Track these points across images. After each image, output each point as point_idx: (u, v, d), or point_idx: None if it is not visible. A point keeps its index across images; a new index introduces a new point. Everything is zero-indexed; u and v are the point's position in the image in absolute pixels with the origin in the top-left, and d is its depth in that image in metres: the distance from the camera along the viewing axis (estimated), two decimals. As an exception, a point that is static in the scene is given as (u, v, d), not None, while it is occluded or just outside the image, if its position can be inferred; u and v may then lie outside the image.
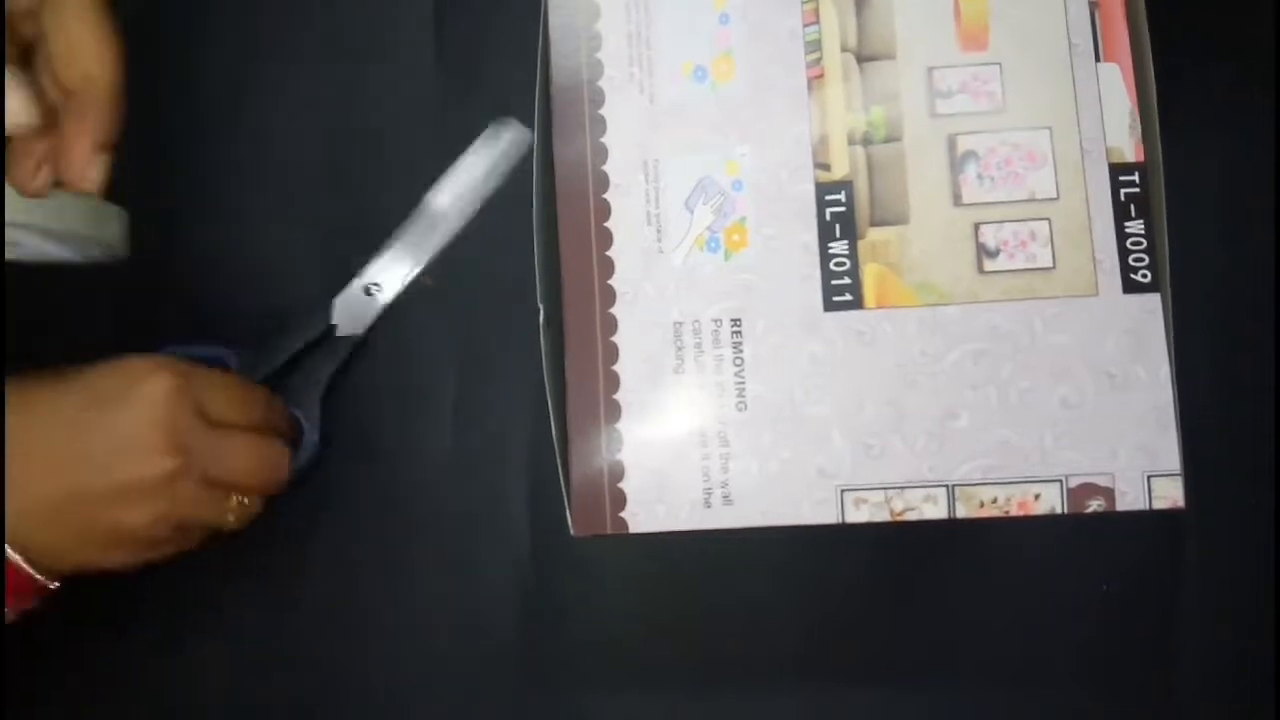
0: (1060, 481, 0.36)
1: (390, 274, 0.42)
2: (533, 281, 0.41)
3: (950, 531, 0.38)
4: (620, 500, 0.37)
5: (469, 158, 0.42)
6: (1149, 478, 0.36)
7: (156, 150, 0.42)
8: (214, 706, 0.42)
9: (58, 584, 0.36)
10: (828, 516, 0.37)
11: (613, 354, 0.38)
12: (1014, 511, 0.36)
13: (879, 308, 0.37)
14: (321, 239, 0.43)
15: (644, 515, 0.37)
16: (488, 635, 0.41)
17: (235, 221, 0.44)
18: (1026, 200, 0.37)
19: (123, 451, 0.35)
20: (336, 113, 0.44)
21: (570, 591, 0.42)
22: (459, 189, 0.42)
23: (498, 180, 0.42)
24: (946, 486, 0.36)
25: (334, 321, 0.42)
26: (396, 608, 0.42)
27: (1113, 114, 0.37)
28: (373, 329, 0.42)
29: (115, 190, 0.36)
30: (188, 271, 0.43)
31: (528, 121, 0.39)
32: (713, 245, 0.38)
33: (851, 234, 0.37)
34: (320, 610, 0.42)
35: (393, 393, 0.42)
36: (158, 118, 0.42)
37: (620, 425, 0.37)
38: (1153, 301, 0.37)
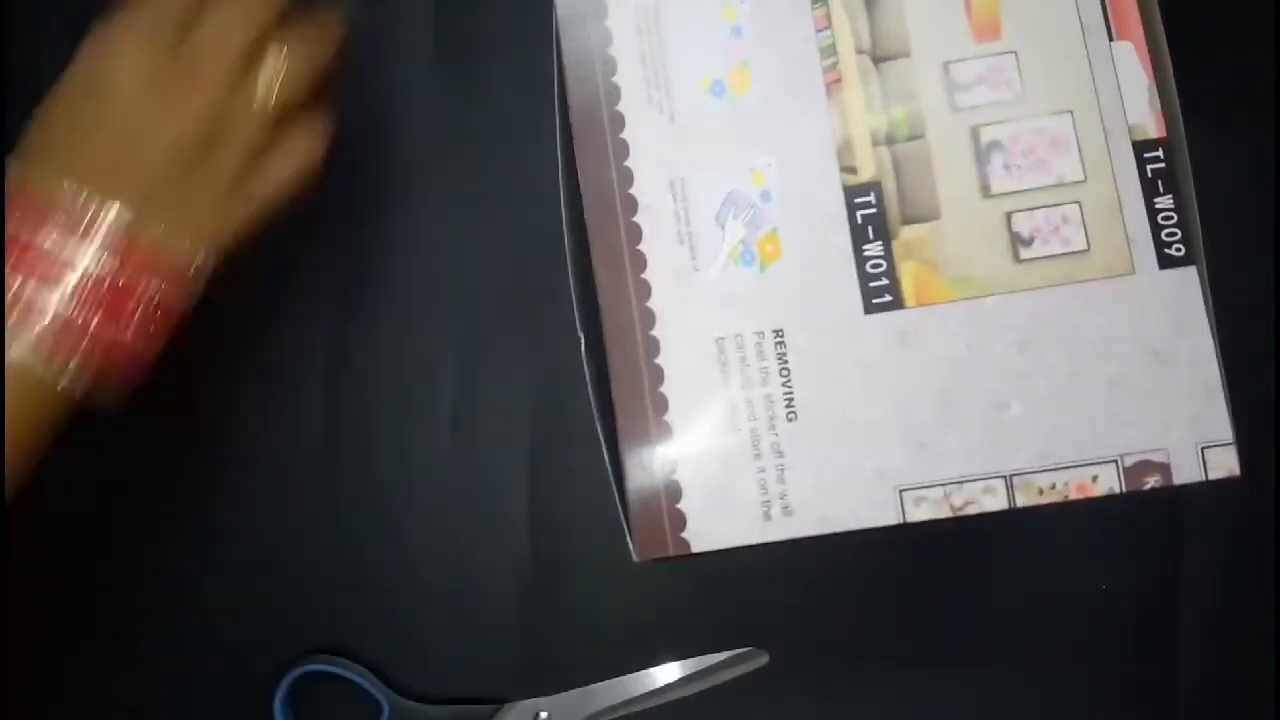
0: (1116, 461, 0.36)
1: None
2: (532, 282, 0.41)
3: (1002, 519, 0.39)
4: (680, 521, 0.37)
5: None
6: (1203, 449, 0.36)
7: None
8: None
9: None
10: (888, 518, 0.37)
11: (658, 376, 0.38)
12: (1073, 495, 0.36)
13: (919, 305, 0.37)
14: (319, 241, 0.43)
15: (705, 534, 0.37)
16: (488, 634, 0.41)
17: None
18: (1055, 185, 0.37)
19: (104, 82, 0.32)
20: (336, 112, 0.44)
21: (570, 591, 0.42)
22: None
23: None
24: (1004, 477, 0.37)
25: None
26: (395, 608, 0.42)
27: (1131, 92, 0.38)
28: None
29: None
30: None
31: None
32: (747, 258, 0.38)
33: (884, 234, 0.38)
34: (319, 611, 0.42)
35: (393, 393, 0.42)
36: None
37: (673, 446, 0.37)
38: (1189, 275, 0.37)
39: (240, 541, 0.42)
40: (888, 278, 0.37)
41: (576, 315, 0.38)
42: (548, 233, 0.39)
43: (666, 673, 0.40)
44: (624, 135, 0.39)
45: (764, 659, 0.40)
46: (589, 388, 0.38)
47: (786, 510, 0.37)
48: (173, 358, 0.41)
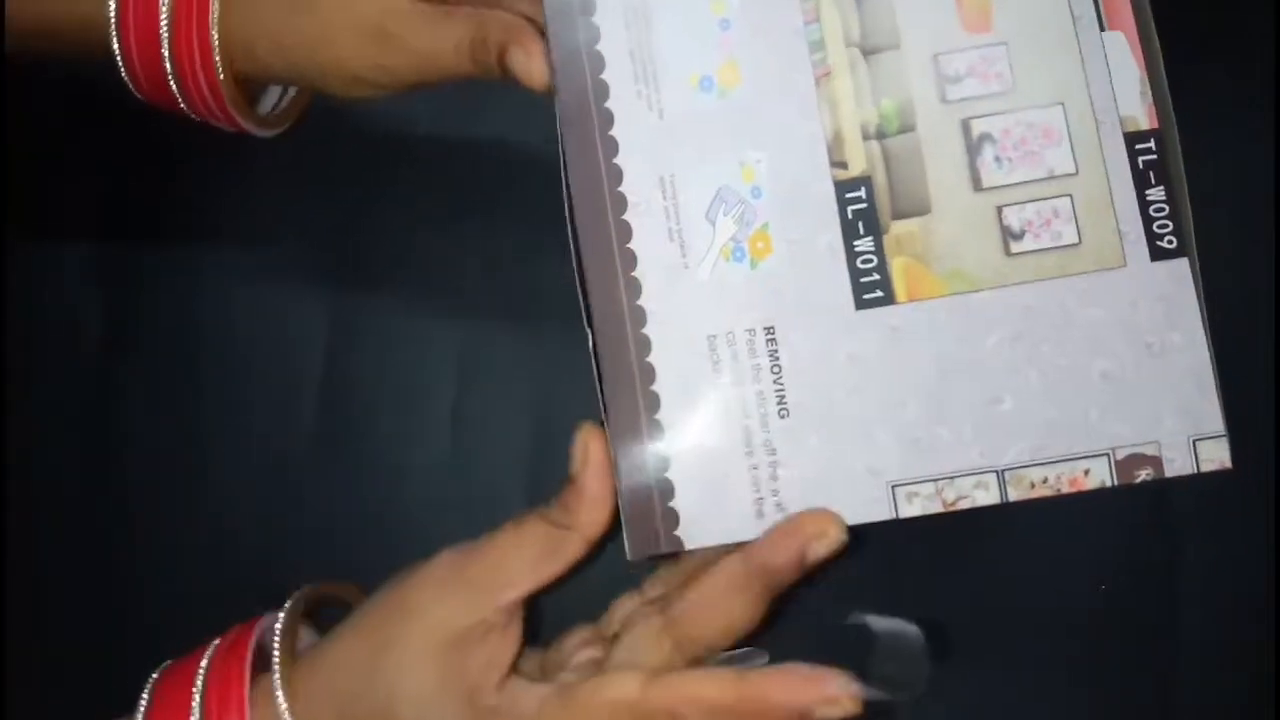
0: (1108, 455, 0.36)
1: None
2: (532, 281, 0.41)
3: (994, 514, 0.39)
4: (673, 519, 0.37)
5: None
6: (1194, 441, 0.36)
7: (158, 150, 0.42)
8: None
9: None
10: (881, 514, 0.37)
11: (649, 374, 0.38)
12: (1065, 489, 0.36)
13: (910, 301, 0.37)
14: (318, 241, 0.43)
15: (698, 532, 0.37)
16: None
17: (233, 218, 0.44)
18: (1046, 178, 0.37)
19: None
20: (338, 115, 0.43)
21: (565, 590, 0.42)
22: None
23: None
24: (996, 471, 0.37)
25: None
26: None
27: (1122, 83, 0.37)
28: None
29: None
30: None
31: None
32: (738, 255, 0.38)
33: (875, 229, 0.37)
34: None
35: (393, 393, 0.42)
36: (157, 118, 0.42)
37: (665, 444, 0.37)
38: (1181, 267, 0.37)
39: (239, 541, 0.42)
40: (879, 273, 0.37)
41: (584, 314, 0.38)
42: (547, 232, 0.39)
43: None
44: (613, 132, 0.38)
45: (764, 659, 0.40)
46: (598, 385, 0.38)
47: (779, 507, 0.37)
48: (173, 358, 0.42)
